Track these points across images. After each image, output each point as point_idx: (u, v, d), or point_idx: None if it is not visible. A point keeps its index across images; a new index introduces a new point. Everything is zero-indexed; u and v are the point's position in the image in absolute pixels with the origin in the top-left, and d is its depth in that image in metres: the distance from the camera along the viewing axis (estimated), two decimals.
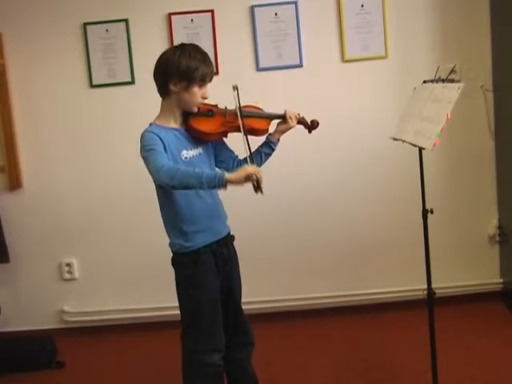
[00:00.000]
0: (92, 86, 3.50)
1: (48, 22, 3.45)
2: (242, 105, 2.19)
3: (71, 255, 3.64)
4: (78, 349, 3.46)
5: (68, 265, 3.64)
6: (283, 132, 2.34)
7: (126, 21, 3.44)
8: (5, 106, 3.49)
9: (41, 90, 3.52)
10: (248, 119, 2.22)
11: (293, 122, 2.31)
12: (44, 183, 3.58)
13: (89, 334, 3.61)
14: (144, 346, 3.43)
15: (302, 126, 2.38)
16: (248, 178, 1.95)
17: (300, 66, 3.46)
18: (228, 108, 2.24)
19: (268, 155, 2.35)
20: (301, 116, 2.35)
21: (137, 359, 3.29)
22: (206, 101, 2.22)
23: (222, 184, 1.95)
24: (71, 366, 3.26)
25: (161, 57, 2.20)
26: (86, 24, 3.45)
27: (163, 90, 2.18)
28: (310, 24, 3.43)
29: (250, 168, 1.97)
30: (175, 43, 3.34)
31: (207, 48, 3.29)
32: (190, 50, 2.16)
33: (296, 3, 3.40)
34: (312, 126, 2.38)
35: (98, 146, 3.55)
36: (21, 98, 3.53)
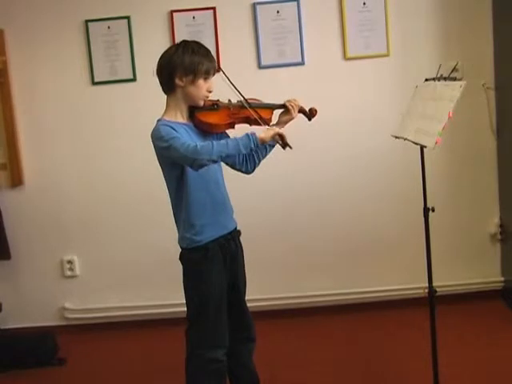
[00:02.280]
0: (94, 83, 3.50)
1: (50, 19, 3.45)
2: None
3: (72, 252, 3.65)
4: (79, 346, 3.46)
5: (69, 262, 3.65)
6: (286, 123, 2.33)
7: (127, 18, 3.44)
8: (6, 103, 3.49)
9: (42, 87, 3.52)
10: (252, 109, 2.24)
11: (295, 112, 2.32)
12: (45, 180, 3.59)
13: (90, 331, 3.62)
14: (145, 343, 3.44)
15: (302, 116, 2.38)
16: (275, 136, 2.10)
17: (302, 63, 3.45)
18: (231, 101, 2.27)
19: (272, 147, 2.35)
20: (300, 105, 2.35)
21: (138, 356, 3.29)
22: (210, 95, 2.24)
23: (256, 143, 2.07)
24: (72, 362, 3.27)
25: (164, 54, 2.22)
26: (87, 21, 3.45)
27: (168, 86, 2.19)
28: (312, 22, 3.43)
29: (275, 128, 2.14)
30: (177, 41, 3.32)
31: (209, 45, 3.28)
32: (193, 46, 2.18)
33: (298, 1, 3.40)
34: (311, 114, 2.38)
35: (99, 143, 3.55)
36: (22, 95, 3.53)
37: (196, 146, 2.01)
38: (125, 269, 3.63)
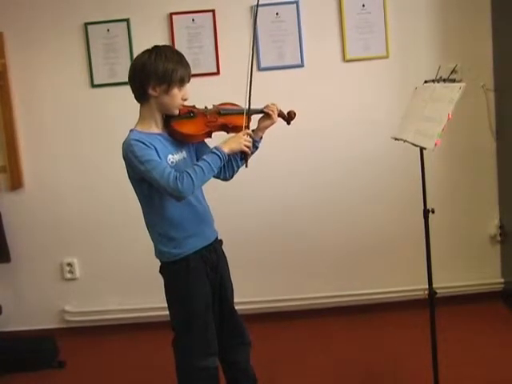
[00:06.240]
0: (93, 85, 3.51)
1: (49, 21, 3.46)
2: (218, 104, 2.22)
3: (72, 255, 3.65)
4: (79, 349, 3.46)
5: (69, 264, 3.65)
6: (266, 128, 2.27)
7: (127, 20, 3.45)
8: (6, 106, 3.49)
9: (42, 90, 3.52)
10: (229, 116, 2.19)
11: (276, 117, 2.26)
12: (45, 183, 3.59)
13: (90, 334, 3.61)
14: (145, 346, 3.43)
15: (281, 119, 2.32)
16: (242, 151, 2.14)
17: (301, 65, 3.46)
18: (207, 108, 2.22)
19: (252, 153, 2.28)
20: (279, 109, 2.29)
21: (137, 359, 3.29)
22: (185, 102, 2.17)
23: (225, 159, 2.09)
24: (72, 365, 3.27)
25: (136, 61, 2.13)
26: (87, 24, 3.45)
27: (141, 96, 2.12)
28: (311, 24, 3.43)
29: (243, 140, 2.11)
30: (176, 43, 3.34)
31: (208, 48, 3.29)
32: (166, 52, 2.09)
33: (297, 3, 3.40)
34: (289, 117, 2.32)
35: (98, 146, 3.55)
36: (22, 97, 3.53)
37: (176, 182, 1.96)
38: (125, 271, 3.63)
